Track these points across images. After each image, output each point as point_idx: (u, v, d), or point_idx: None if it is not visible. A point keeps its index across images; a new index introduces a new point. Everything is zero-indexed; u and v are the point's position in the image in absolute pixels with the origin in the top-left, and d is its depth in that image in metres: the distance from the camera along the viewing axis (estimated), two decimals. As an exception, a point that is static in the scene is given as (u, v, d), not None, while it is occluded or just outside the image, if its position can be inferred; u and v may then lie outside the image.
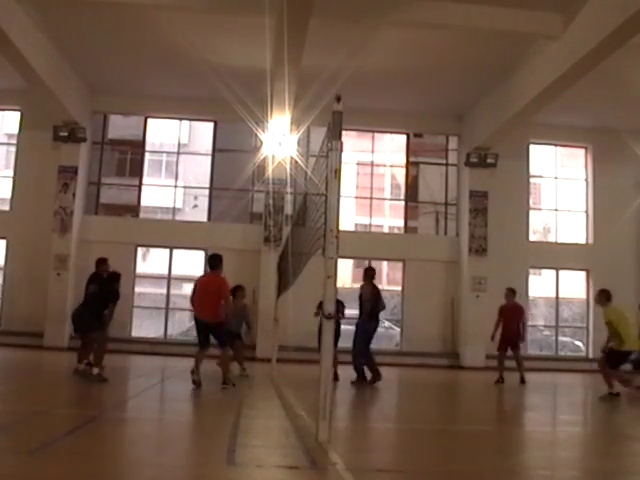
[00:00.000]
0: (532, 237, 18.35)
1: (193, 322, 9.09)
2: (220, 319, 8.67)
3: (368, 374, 10.47)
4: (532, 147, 18.35)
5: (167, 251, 17.49)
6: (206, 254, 17.22)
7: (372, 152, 18.68)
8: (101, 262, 9.54)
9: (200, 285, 8.89)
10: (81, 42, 14.17)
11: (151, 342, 16.68)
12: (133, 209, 18.03)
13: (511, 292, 12.58)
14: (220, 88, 13.81)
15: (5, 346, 13.57)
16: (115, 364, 10.69)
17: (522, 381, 11.86)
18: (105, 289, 9.10)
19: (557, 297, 18.19)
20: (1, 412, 5.82)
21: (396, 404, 9.66)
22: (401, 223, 18.65)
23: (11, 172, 17.20)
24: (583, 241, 18.27)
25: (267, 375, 11.56)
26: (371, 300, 10.39)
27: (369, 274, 10.80)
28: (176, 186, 18.51)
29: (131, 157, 18.98)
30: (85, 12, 12.71)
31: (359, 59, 13.25)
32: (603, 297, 10.10)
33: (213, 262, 8.98)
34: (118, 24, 13.24)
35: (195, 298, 8.83)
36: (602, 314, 10.06)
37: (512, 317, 12.29)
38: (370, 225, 18.86)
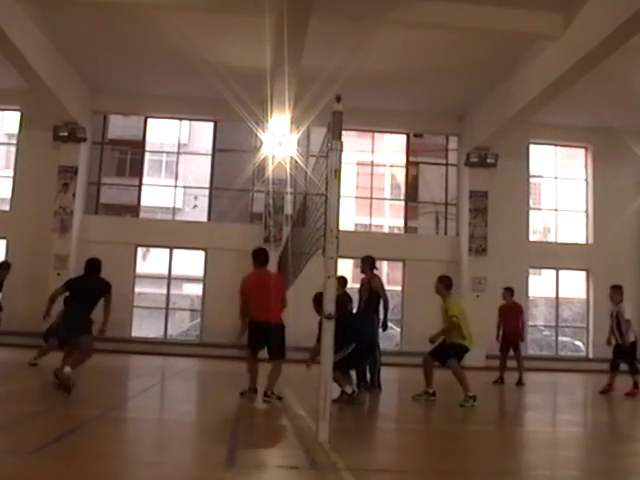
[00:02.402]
0: (532, 237, 18.34)
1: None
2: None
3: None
4: (532, 147, 18.34)
5: (167, 251, 17.49)
6: (206, 254, 17.30)
7: (372, 152, 18.67)
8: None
9: (258, 283, 7.73)
10: (81, 42, 14.17)
11: (151, 342, 16.68)
12: (133, 209, 18.03)
13: (508, 291, 12.48)
14: (220, 88, 13.79)
15: (5, 346, 13.56)
16: (115, 364, 10.69)
17: (519, 382, 11.75)
18: None
19: (557, 297, 18.18)
20: (1, 412, 5.81)
21: (396, 404, 9.65)
22: (401, 223, 18.64)
23: (11, 172, 17.20)
24: (583, 241, 18.26)
25: (267, 375, 11.53)
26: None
27: (372, 262, 9.60)
28: (176, 186, 18.53)
29: (131, 157, 18.99)
30: (85, 12, 12.73)
31: (359, 59, 13.24)
32: (444, 285, 8.66)
33: (262, 257, 7.95)
34: (118, 24, 13.25)
35: (253, 298, 7.69)
36: (442, 305, 8.76)
37: (511, 317, 12.24)
38: (370, 225, 18.85)
